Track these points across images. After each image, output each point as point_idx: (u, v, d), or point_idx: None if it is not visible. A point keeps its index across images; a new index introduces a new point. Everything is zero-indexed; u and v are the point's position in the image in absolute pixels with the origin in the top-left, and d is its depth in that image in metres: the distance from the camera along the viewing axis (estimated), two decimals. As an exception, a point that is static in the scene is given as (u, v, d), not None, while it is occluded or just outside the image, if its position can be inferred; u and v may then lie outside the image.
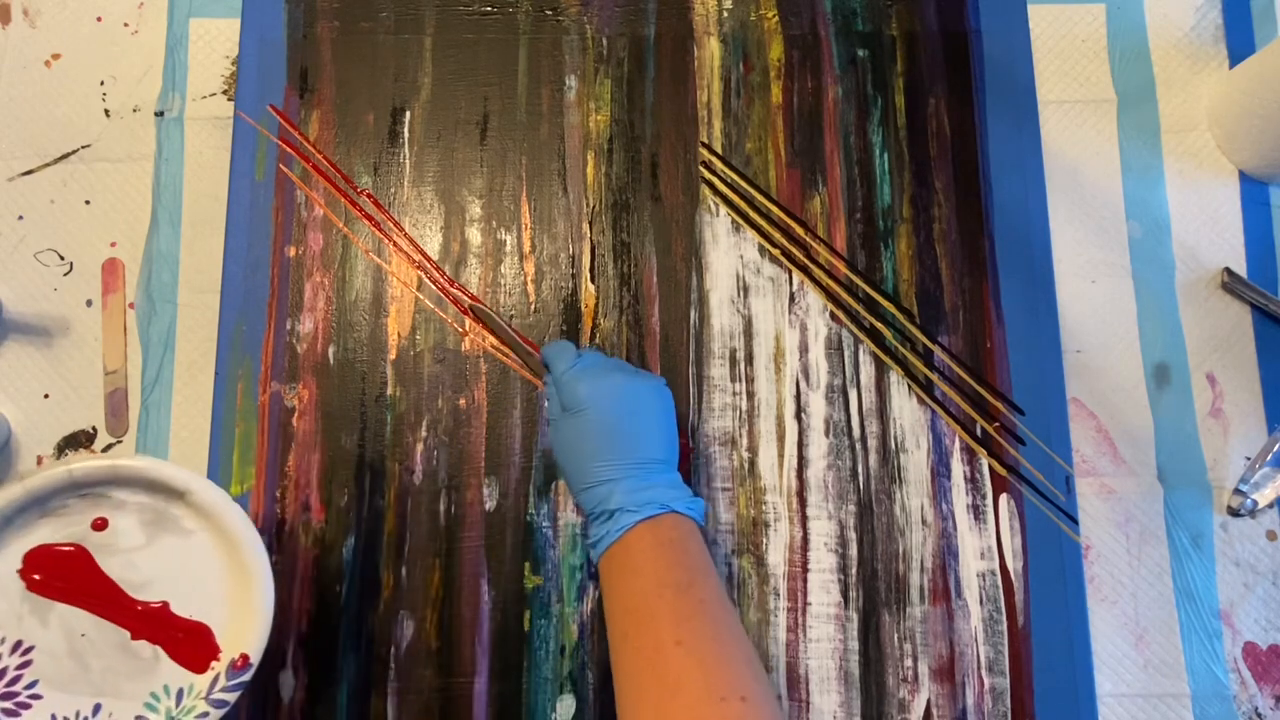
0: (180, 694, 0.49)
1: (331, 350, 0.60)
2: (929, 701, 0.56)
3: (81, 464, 0.49)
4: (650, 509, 0.49)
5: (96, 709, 0.49)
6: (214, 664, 0.50)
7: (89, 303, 0.61)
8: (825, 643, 0.56)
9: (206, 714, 0.49)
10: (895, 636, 0.57)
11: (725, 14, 0.65)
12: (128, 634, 0.50)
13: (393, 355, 0.60)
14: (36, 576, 0.50)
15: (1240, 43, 0.66)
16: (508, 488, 0.58)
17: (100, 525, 0.50)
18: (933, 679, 0.56)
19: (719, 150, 0.63)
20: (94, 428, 0.59)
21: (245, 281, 0.61)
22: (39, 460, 0.58)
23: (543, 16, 0.65)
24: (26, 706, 0.49)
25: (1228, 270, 0.62)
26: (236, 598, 0.50)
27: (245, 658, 0.49)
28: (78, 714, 0.49)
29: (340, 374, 0.60)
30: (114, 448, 0.58)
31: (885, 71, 0.65)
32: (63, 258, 0.61)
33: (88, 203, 0.62)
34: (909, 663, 0.56)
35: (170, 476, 0.50)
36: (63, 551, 0.50)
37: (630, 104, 0.64)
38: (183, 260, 0.61)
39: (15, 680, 0.49)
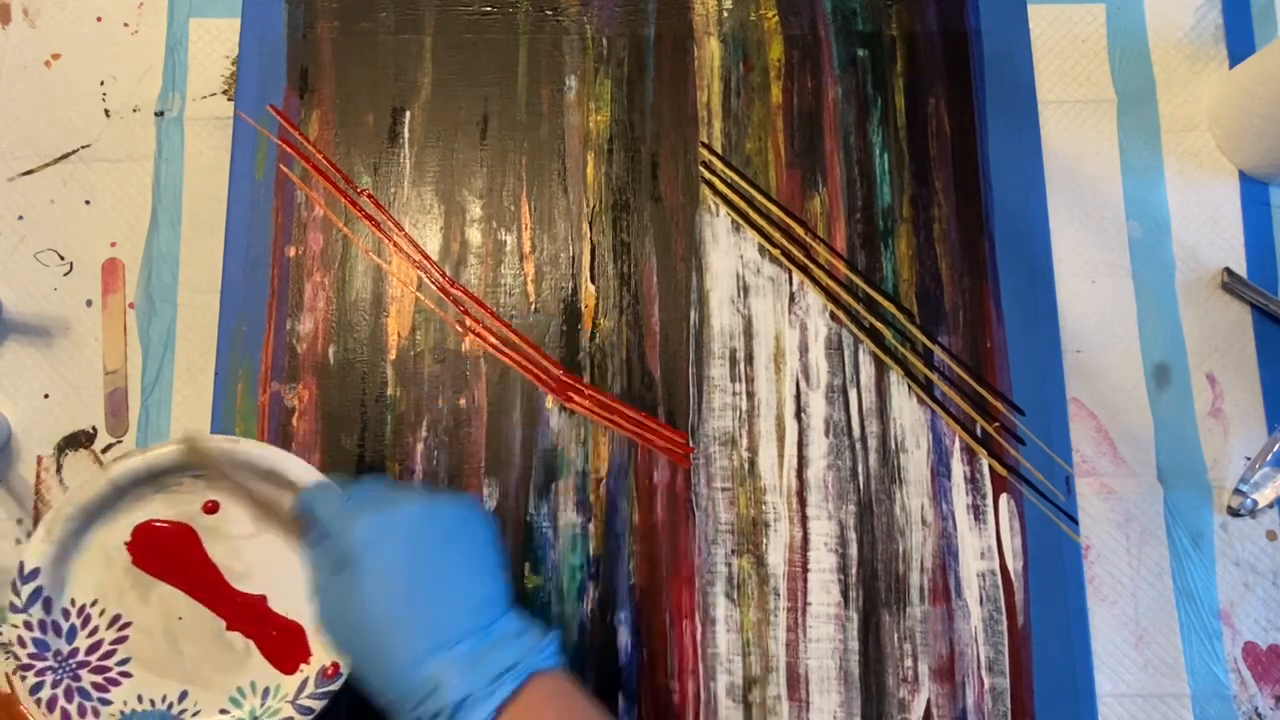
0: (266, 693, 0.48)
1: (331, 350, 0.60)
2: (929, 701, 0.56)
3: (201, 441, 0.48)
4: (510, 682, 0.36)
5: (183, 696, 0.48)
6: (304, 667, 0.48)
7: (89, 303, 0.61)
8: (825, 643, 0.56)
9: (290, 719, 0.47)
10: (895, 636, 0.57)
11: (725, 14, 0.65)
12: (223, 624, 0.49)
13: (393, 355, 0.60)
14: (143, 551, 0.48)
15: (1240, 43, 0.66)
16: (508, 488, 0.58)
17: (211, 508, 0.50)
18: (933, 679, 0.56)
19: (719, 150, 0.63)
20: (94, 428, 0.59)
21: (245, 281, 0.61)
22: (39, 460, 0.58)
23: (543, 16, 0.65)
24: (116, 683, 0.48)
25: (1228, 270, 0.62)
26: None
27: (336, 666, 0.48)
28: (164, 699, 0.48)
29: (340, 374, 0.60)
30: (113, 448, 0.58)
31: (885, 71, 0.65)
32: (63, 258, 0.61)
33: (88, 203, 0.62)
34: (909, 663, 0.56)
35: (286, 467, 0.49)
36: (171, 529, 0.49)
37: (630, 104, 0.64)
38: (183, 260, 0.61)
39: (110, 654, 0.48)
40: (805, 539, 0.58)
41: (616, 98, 0.64)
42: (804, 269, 0.62)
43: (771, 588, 0.57)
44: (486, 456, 0.59)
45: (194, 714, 0.47)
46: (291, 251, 0.61)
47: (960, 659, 0.56)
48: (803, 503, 0.58)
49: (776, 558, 0.58)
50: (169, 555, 0.49)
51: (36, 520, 0.57)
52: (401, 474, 0.58)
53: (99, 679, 0.47)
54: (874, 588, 0.57)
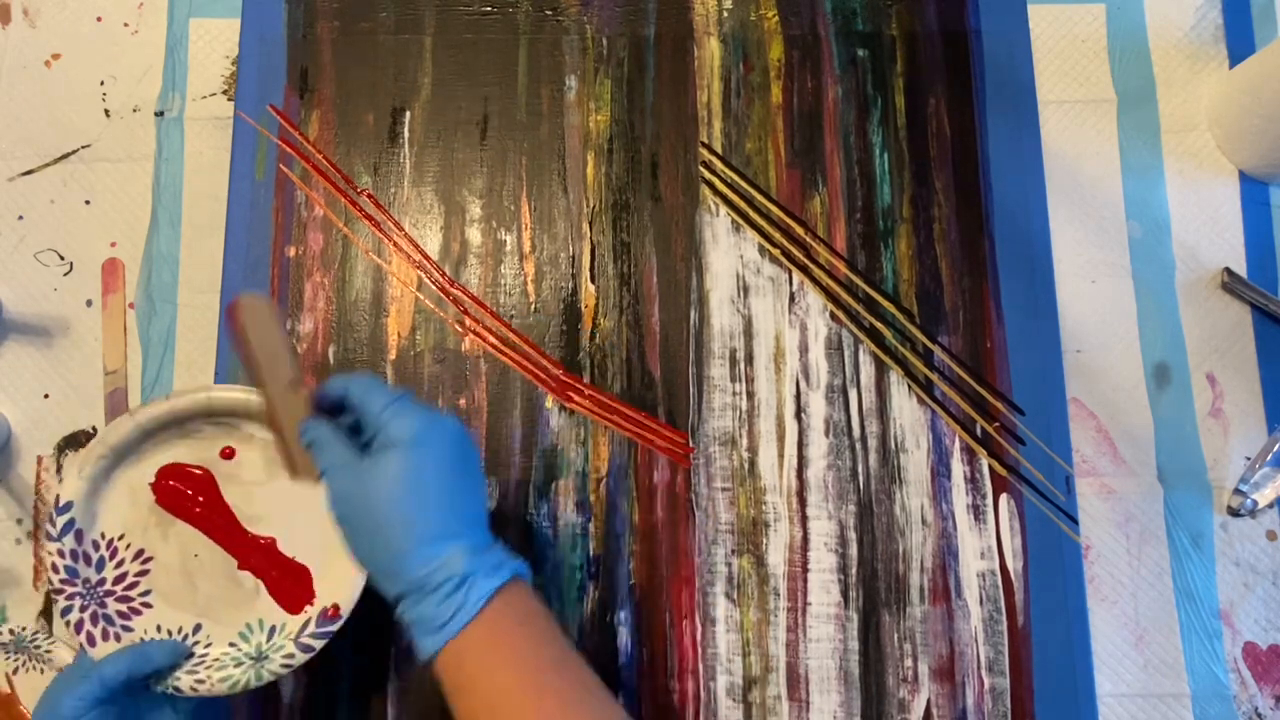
0: (272, 631, 0.51)
1: (331, 350, 0.60)
2: (929, 701, 0.56)
3: (221, 393, 0.51)
4: (504, 573, 0.42)
5: (197, 628, 0.51)
6: (308, 608, 0.51)
7: (89, 303, 0.61)
8: (825, 643, 0.56)
9: (292, 655, 0.50)
10: (895, 636, 0.57)
11: (725, 14, 0.65)
12: (235, 563, 0.52)
13: (393, 355, 0.60)
14: (166, 491, 0.52)
15: (1240, 43, 0.66)
16: (508, 488, 0.58)
17: (228, 454, 0.53)
18: (933, 679, 0.56)
19: (719, 150, 0.63)
20: (94, 428, 0.59)
21: (245, 281, 0.61)
22: (39, 460, 0.58)
23: (543, 16, 0.65)
24: (138, 612, 0.51)
25: (1228, 270, 0.62)
26: (338, 549, 0.49)
27: (337, 608, 0.50)
28: (180, 630, 0.51)
29: (340, 374, 0.60)
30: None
31: (885, 71, 0.65)
32: (63, 258, 0.61)
33: (88, 203, 0.62)
34: (909, 663, 0.56)
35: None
36: (192, 472, 0.52)
37: (630, 104, 0.64)
38: (183, 260, 0.61)
39: (133, 585, 0.51)
40: (805, 539, 0.58)
41: (616, 98, 0.64)
42: (804, 269, 0.62)
43: (771, 588, 0.57)
44: (486, 456, 0.59)
45: (206, 645, 0.50)
46: (291, 251, 0.61)
47: (960, 659, 0.56)
48: (803, 503, 0.58)
49: (776, 558, 0.58)
50: (189, 496, 0.52)
51: (37, 521, 0.58)
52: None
53: (123, 608, 0.51)
54: (874, 588, 0.57)
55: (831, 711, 0.56)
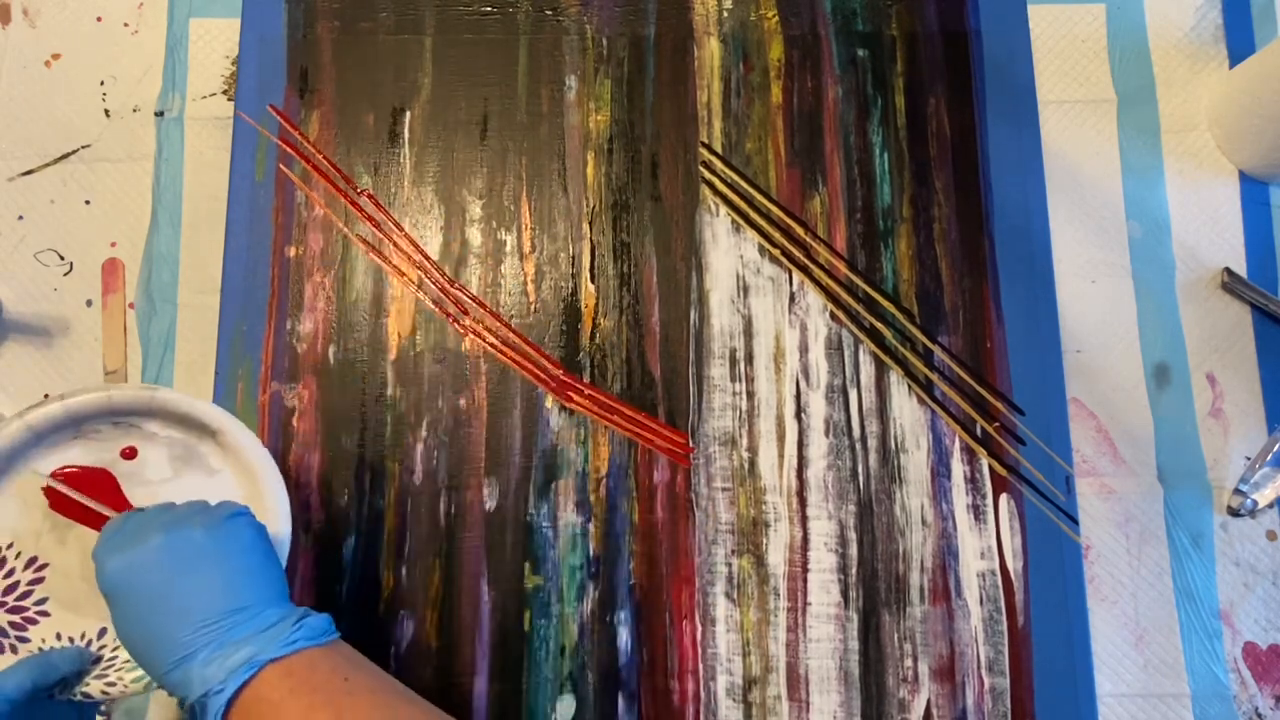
0: None
1: (331, 350, 0.60)
2: (929, 701, 0.56)
3: (121, 390, 0.50)
4: (239, 677, 0.41)
5: (102, 633, 0.49)
6: None
7: (89, 303, 0.61)
8: (825, 643, 0.56)
9: None
10: (895, 636, 0.57)
11: (725, 14, 0.65)
12: None
13: (393, 355, 0.60)
14: (61, 495, 0.50)
15: (1240, 43, 0.66)
16: (508, 488, 0.58)
17: (130, 454, 0.51)
18: (933, 679, 0.56)
19: (719, 150, 0.63)
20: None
21: (245, 281, 0.61)
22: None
23: (543, 16, 0.65)
24: (33, 622, 0.49)
25: (1228, 270, 0.62)
26: None
27: None
28: (83, 635, 0.49)
29: (340, 374, 0.60)
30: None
31: (885, 71, 0.65)
32: (63, 258, 0.61)
33: (88, 203, 0.62)
34: (909, 663, 0.56)
35: (204, 413, 0.50)
36: (88, 472, 0.50)
37: (630, 104, 0.64)
38: (183, 260, 0.61)
39: (26, 595, 0.49)
40: (805, 539, 0.58)
41: (616, 98, 0.64)
42: (804, 269, 0.62)
43: (771, 588, 0.57)
44: (486, 456, 0.59)
45: (115, 648, 0.49)
46: (291, 251, 0.61)
47: (960, 659, 0.56)
48: (803, 503, 0.58)
49: (776, 558, 0.58)
50: (87, 498, 0.50)
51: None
52: (401, 474, 0.58)
53: (16, 619, 0.49)
54: (874, 588, 0.57)
55: (831, 711, 0.56)
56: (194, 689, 0.41)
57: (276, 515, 0.50)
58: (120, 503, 0.50)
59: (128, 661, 0.48)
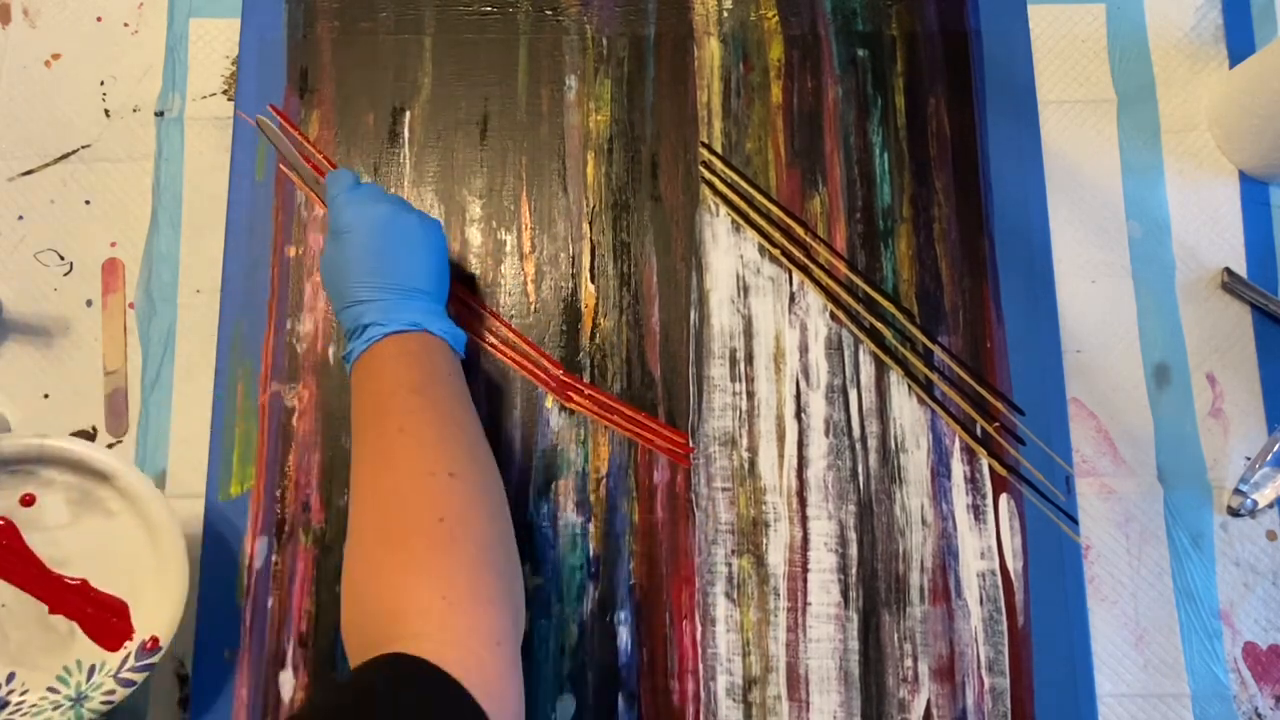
0: (92, 670, 0.51)
1: (331, 350, 0.60)
2: (929, 701, 0.56)
3: (9, 441, 0.51)
4: (397, 325, 0.50)
5: (10, 677, 0.50)
6: (127, 644, 0.51)
7: (89, 303, 0.61)
8: (825, 643, 0.56)
9: (113, 692, 0.50)
10: (895, 636, 0.57)
11: (725, 14, 0.65)
12: (46, 607, 0.51)
13: (393, 355, 0.60)
14: None
15: (1240, 43, 0.66)
16: (508, 488, 0.58)
17: (28, 501, 0.52)
18: (933, 679, 0.56)
19: (719, 150, 0.63)
20: (94, 428, 0.59)
21: (245, 281, 0.61)
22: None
23: (543, 16, 0.65)
24: None
25: (1228, 270, 0.62)
26: (154, 582, 0.51)
27: (155, 640, 0.50)
28: None
29: (340, 374, 0.60)
30: (114, 448, 0.58)
31: (885, 71, 0.65)
32: (63, 258, 0.61)
33: (88, 203, 0.62)
34: (909, 663, 0.56)
35: (96, 460, 0.51)
36: None
37: (630, 104, 0.64)
38: (183, 260, 0.61)
39: None
40: (805, 539, 0.58)
41: (616, 98, 0.64)
42: (804, 269, 0.62)
43: (771, 588, 0.57)
44: (486, 456, 0.59)
45: (22, 693, 0.50)
46: (291, 251, 0.61)
47: (960, 659, 0.56)
48: (803, 503, 0.58)
49: (776, 558, 0.58)
50: None
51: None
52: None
53: None
54: (874, 588, 0.57)
55: (831, 711, 0.56)
56: (365, 318, 0.50)
57: (173, 555, 0.51)
58: (22, 549, 0.51)
59: (34, 706, 0.49)
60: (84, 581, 0.52)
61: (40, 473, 0.52)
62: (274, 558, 0.57)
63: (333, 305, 0.54)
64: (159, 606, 0.51)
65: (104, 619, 0.51)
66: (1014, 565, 0.58)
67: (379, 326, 0.50)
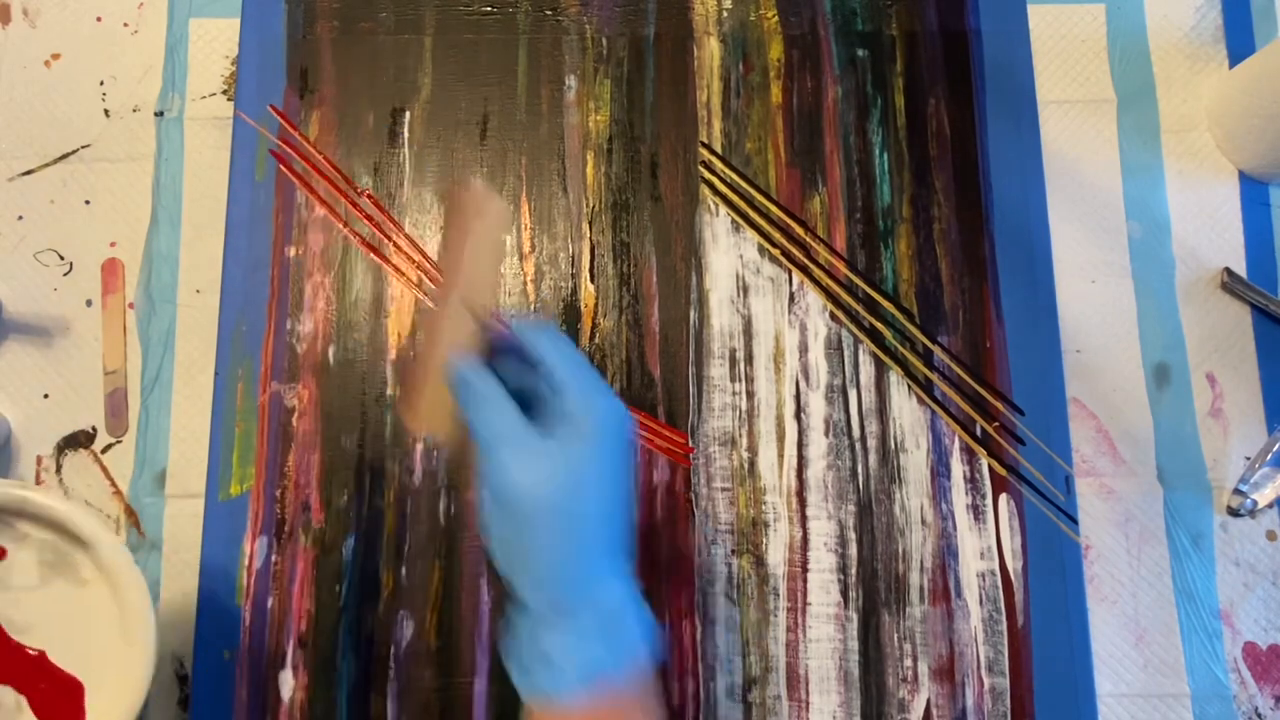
0: None
1: (331, 350, 0.60)
2: (929, 701, 0.56)
3: None
4: (642, 651, 0.34)
5: None
6: None
7: (89, 303, 0.61)
8: (825, 643, 0.56)
9: None
10: (895, 636, 0.57)
11: (725, 14, 0.65)
12: None
13: (393, 355, 0.60)
14: None
15: (1240, 43, 0.66)
16: (507, 488, 0.58)
17: None
18: (933, 679, 0.56)
19: (719, 150, 0.63)
20: (94, 428, 0.59)
21: (245, 281, 0.61)
22: (39, 460, 0.58)
23: (543, 16, 0.65)
24: None
25: (1228, 270, 0.62)
26: (117, 664, 0.46)
27: None
28: None
29: (340, 374, 0.60)
30: (113, 448, 0.59)
31: (885, 71, 0.65)
32: (63, 258, 0.61)
33: (88, 203, 0.62)
34: (909, 663, 0.56)
35: (78, 524, 0.47)
36: None
37: (630, 104, 0.64)
38: (183, 260, 0.61)
39: None
40: (805, 539, 0.58)
41: (616, 98, 0.64)
42: (804, 269, 0.62)
43: (771, 588, 0.57)
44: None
45: None
46: (291, 252, 0.61)
47: (960, 659, 0.56)
48: (802, 503, 0.58)
49: (776, 558, 0.58)
50: None
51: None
52: (401, 474, 0.58)
53: None
54: (874, 588, 0.57)
55: (831, 711, 0.56)
56: (627, 617, 0.34)
57: (142, 640, 0.46)
58: None
59: None
60: (42, 653, 0.47)
61: (17, 525, 0.48)
62: (274, 558, 0.57)
63: (523, 561, 0.36)
64: (117, 695, 0.46)
65: (56, 698, 0.46)
66: (1014, 565, 0.58)
67: (644, 644, 0.34)
